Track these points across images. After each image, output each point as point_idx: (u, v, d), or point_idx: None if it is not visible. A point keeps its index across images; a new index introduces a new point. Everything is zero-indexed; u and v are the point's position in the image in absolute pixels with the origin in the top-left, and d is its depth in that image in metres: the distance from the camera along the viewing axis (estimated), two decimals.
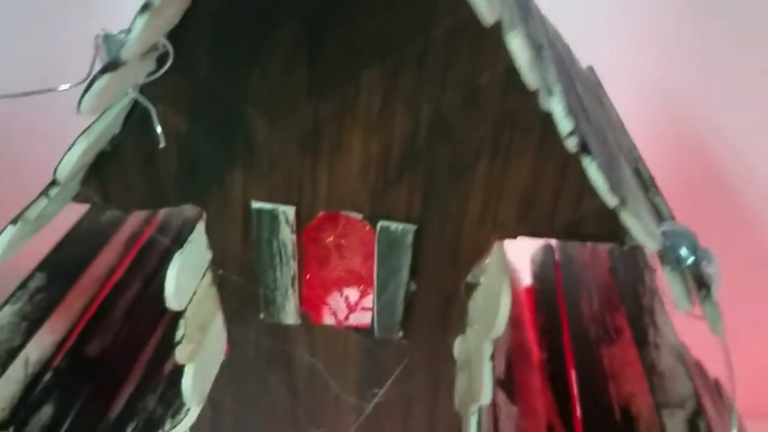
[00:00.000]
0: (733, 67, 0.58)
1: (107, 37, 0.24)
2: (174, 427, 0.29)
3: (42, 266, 0.35)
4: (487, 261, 0.27)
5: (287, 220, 0.28)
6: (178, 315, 0.28)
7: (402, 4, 0.23)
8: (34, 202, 0.25)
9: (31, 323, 0.33)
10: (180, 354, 0.27)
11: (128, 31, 0.22)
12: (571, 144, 0.23)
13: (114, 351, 0.37)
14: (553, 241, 0.48)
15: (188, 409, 0.29)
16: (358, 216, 0.28)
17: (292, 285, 0.29)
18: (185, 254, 0.27)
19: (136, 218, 0.44)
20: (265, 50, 0.25)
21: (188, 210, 0.48)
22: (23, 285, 0.34)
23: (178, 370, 0.33)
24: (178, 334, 0.27)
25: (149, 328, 0.39)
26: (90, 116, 0.24)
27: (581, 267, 0.43)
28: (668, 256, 0.25)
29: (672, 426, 0.29)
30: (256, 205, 0.28)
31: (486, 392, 0.25)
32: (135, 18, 0.22)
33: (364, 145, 0.26)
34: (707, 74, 0.59)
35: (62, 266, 0.36)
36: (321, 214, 0.28)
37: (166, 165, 0.27)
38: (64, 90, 0.24)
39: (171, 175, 0.27)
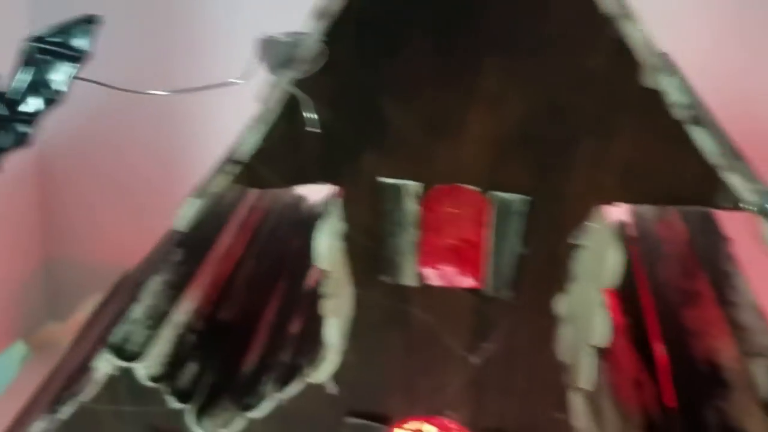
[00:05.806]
0: None
1: (270, 40, 0.28)
2: (313, 372, 0.33)
3: (179, 244, 0.40)
4: (590, 224, 0.31)
5: (409, 194, 0.32)
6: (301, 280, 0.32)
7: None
8: (214, 179, 0.29)
9: (176, 291, 0.38)
10: (325, 307, 0.32)
11: (301, 34, 0.26)
12: (686, 115, 0.27)
13: (241, 316, 0.41)
14: (627, 218, 0.51)
15: (326, 359, 0.34)
16: (475, 189, 0.32)
17: (412, 250, 0.33)
18: (327, 223, 0.31)
19: (244, 207, 0.49)
20: (401, 45, 0.29)
21: (287, 198, 0.53)
22: (166, 259, 0.39)
23: (308, 329, 0.38)
24: (326, 290, 0.32)
25: (266, 298, 0.44)
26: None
27: (658, 240, 0.46)
28: None
29: (756, 370, 0.32)
30: (382, 180, 0.32)
31: (602, 334, 0.29)
32: (314, 23, 0.26)
33: (482, 126, 0.30)
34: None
35: (195, 245, 0.41)
36: (439, 186, 0.32)
37: (310, 149, 0.31)
38: (232, 83, 0.28)
39: (313, 158, 0.31)
